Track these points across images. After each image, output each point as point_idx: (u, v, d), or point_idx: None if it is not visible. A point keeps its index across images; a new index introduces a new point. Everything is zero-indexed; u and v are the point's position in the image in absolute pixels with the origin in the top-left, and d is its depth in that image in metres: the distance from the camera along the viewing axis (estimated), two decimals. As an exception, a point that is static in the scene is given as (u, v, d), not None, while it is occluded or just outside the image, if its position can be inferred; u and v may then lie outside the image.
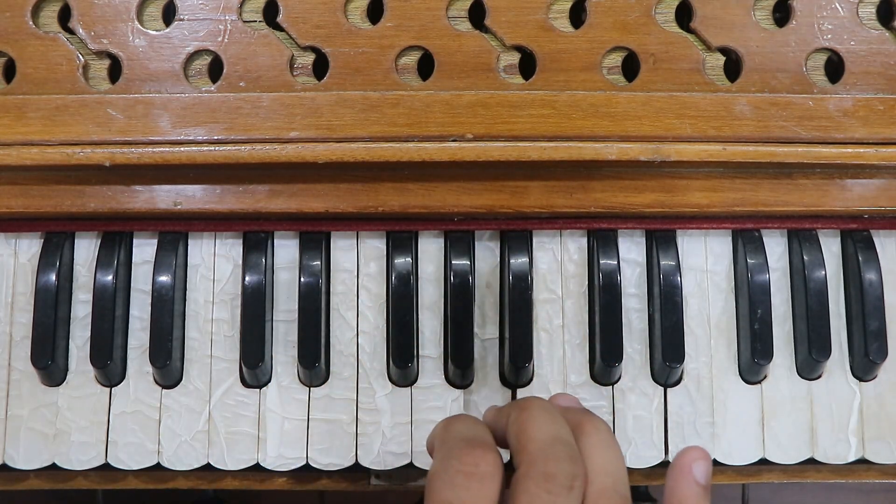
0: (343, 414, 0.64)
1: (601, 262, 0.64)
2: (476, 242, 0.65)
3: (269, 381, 0.64)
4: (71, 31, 0.63)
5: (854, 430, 0.64)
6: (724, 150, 0.61)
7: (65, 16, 0.63)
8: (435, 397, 0.64)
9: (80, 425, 0.63)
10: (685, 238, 0.66)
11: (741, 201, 0.64)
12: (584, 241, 0.66)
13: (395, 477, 0.65)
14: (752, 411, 0.64)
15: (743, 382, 0.65)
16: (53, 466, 0.63)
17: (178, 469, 0.63)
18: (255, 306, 0.63)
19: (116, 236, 0.65)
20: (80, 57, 0.63)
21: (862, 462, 0.64)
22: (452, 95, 0.62)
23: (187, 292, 0.65)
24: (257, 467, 0.63)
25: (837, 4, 0.63)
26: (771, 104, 0.62)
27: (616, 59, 0.64)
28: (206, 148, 0.61)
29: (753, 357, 0.63)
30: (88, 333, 0.64)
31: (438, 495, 0.49)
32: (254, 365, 0.63)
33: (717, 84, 0.63)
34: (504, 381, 0.65)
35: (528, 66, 0.64)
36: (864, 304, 0.64)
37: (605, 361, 0.63)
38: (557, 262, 0.65)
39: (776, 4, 0.64)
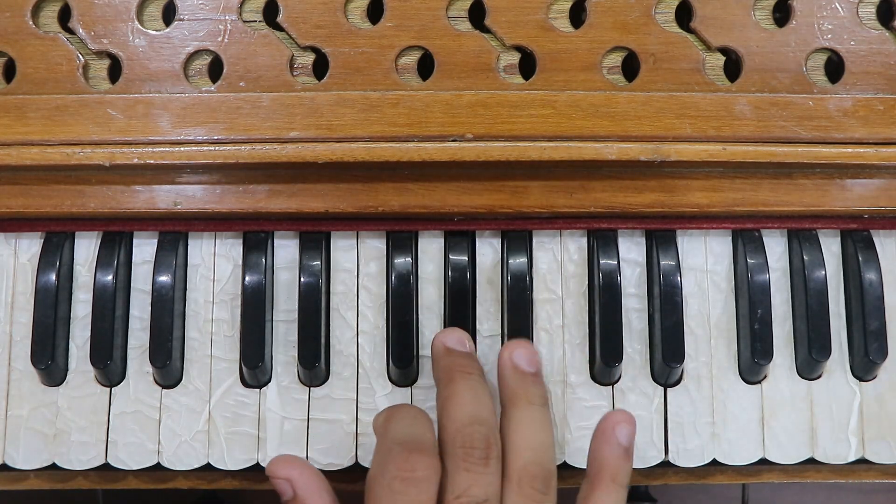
0: (343, 414, 0.64)
1: (601, 262, 0.64)
2: (477, 238, 0.65)
3: (269, 381, 0.64)
4: (71, 31, 0.63)
5: (854, 430, 0.64)
6: (724, 150, 0.61)
7: (65, 16, 0.63)
8: (434, 398, 0.64)
9: (80, 425, 0.63)
10: (685, 238, 0.66)
11: (741, 201, 0.64)
12: (584, 241, 0.66)
13: (395, 477, 0.65)
14: (752, 411, 0.64)
15: (743, 382, 0.65)
16: (53, 466, 0.63)
17: (178, 469, 0.63)
18: (255, 306, 0.63)
19: (116, 236, 0.65)
20: (80, 57, 0.63)
21: (862, 462, 0.64)
22: (452, 95, 0.62)
23: (187, 292, 0.65)
24: (257, 467, 0.63)
25: (837, 4, 0.63)
26: (771, 104, 0.62)
27: (616, 59, 0.64)
28: (206, 148, 0.61)
29: (753, 357, 0.63)
30: (88, 333, 0.64)
31: (377, 501, 0.52)
32: (254, 365, 0.63)
33: (717, 84, 0.63)
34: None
35: (528, 66, 0.64)
36: (864, 304, 0.64)
37: (605, 361, 0.63)
38: (557, 262, 0.65)
39: (776, 4, 0.64)
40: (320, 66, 0.64)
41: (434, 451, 0.54)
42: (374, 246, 0.65)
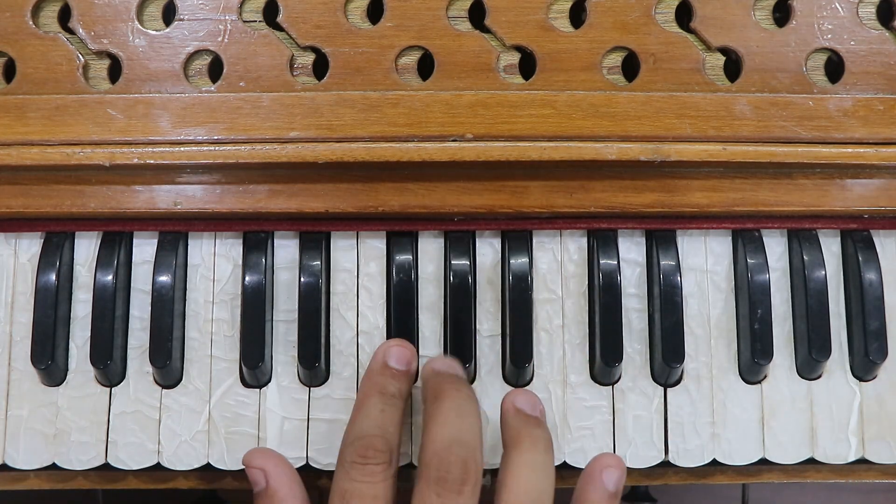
0: (343, 414, 0.64)
1: (601, 262, 0.64)
2: (477, 239, 0.65)
3: (269, 381, 0.64)
4: (71, 31, 0.63)
5: (854, 430, 0.64)
6: (724, 150, 0.61)
7: (65, 16, 0.63)
8: (435, 397, 0.64)
9: (80, 425, 0.63)
10: (685, 238, 0.66)
11: (741, 201, 0.64)
12: (584, 241, 0.66)
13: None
14: (752, 411, 0.64)
15: (743, 382, 0.65)
16: (53, 466, 0.63)
17: (178, 469, 0.63)
18: (255, 306, 0.63)
19: (116, 236, 0.65)
20: (80, 57, 0.63)
21: (862, 462, 0.64)
22: (452, 95, 0.62)
23: (187, 292, 0.65)
24: (257, 467, 0.63)
25: (837, 4, 0.63)
26: (771, 104, 0.62)
27: (616, 59, 0.64)
28: (206, 148, 0.61)
29: (753, 357, 0.63)
30: (88, 333, 0.64)
31: (337, 484, 0.55)
32: (254, 365, 0.63)
33: (717, 84, 0.63)
34: (506, 379, 0.64)
35: (528, 66, 0.64)
36: (864, 304, 0.64)
37: (605, 361, 0.63)
38: (557, 262, 0.65)
39: (776, 4, 0.64)
40: (320, 66, 0.64)
41: (389, 447, 0.55)
42: (374, 246, 0.65)
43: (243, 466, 0.63)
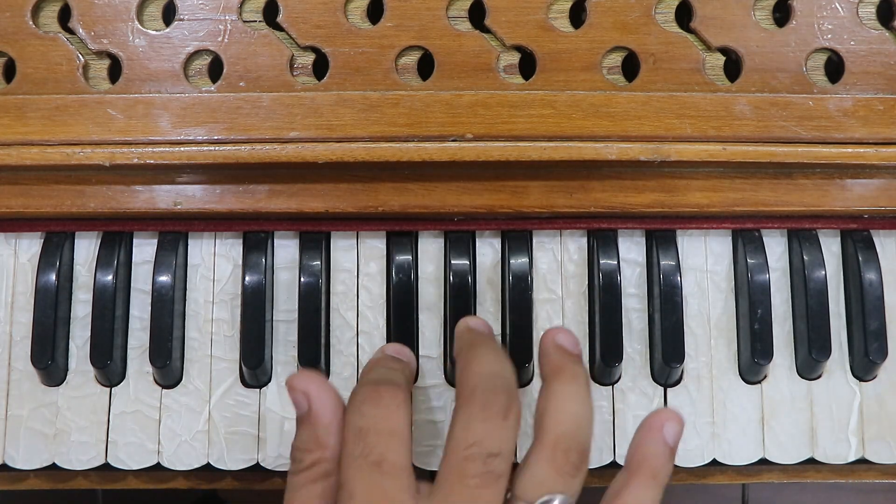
0: (343, 414, 0.64)
1: (601, 262, 0.64)
2: (477, 238, 0.65)
3: (269, 381, 0.64)
4: (71, 31, 0.63)
5: (854, 430, 0.64)
6: (724, 150, 0.61)
7: (65, 16, 0.63)
8: (435, 397, 0.64)
9: (80, 425, 0.63)
10: (685, 238, 0.66)
11: (741, 201, 0.64)
12: (584, 241, 0.66)
13: (395, 477, 0.65)
14: (752, 411, 0.64)
15: (743, 382, 0.65)
16: (53, 466, 0.63)
17: (178, 469, 0.63)
18: (255, 306, 0.63)
19: (116, 236, 0.65)
20: (80, 57, 0.63)
21: (862, 462, 0.64)
22: (452, 95, 0.62)
23: (187, 292, 0.65)
24: (257, 467, 0.63)
25: (837, 4, 0.63)
26: (771, 104, 0.62)
27: (616, 59, 0.64)
28: (206, 148, 0.61)
29: (753, 357, 0.63)
30: (88, 333, 0.64)
31: (349, 424, 0.51)
32: (254, 365, 0.63)
33: (717, 84, 0.63)
34: (504, 381, 0.65)
35: (528, 66, 0.64)
36: (864, 304, 0.64)
37: (605, 361, 0.63)
38: (557, 262, 0.65)
39: (776, 4, 0.64)
40: (320, 66, 0.64)
41: (405, 380, 0.54)
42: (374, 246, 0.65)
43: (240, 468, 0.63)
